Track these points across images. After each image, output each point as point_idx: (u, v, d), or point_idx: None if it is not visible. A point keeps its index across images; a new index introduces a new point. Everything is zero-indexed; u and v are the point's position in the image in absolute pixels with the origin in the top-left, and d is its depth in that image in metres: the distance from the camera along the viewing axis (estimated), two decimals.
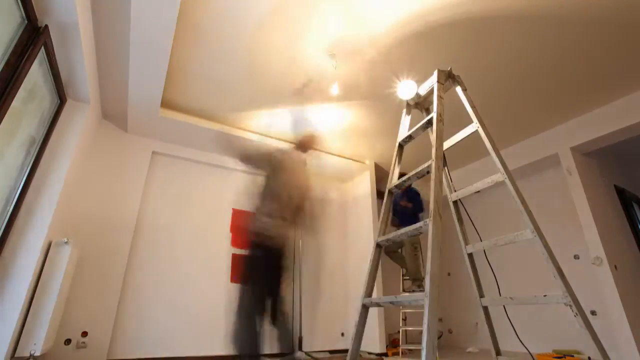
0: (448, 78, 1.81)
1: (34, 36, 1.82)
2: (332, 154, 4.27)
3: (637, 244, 3.60)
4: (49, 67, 2.16)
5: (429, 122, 1.66)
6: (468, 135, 1.78)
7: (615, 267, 3.09)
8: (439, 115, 1.58)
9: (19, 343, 2.05)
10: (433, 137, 1.50)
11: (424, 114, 2.01)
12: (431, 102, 1.81)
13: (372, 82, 2.99)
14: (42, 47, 1.94)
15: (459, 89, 1.83)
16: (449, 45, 2.58)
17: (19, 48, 1.74)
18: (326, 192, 4.65)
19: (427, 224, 1.23)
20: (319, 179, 4.65)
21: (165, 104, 3.21)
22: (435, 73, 1.78)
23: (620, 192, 3.83)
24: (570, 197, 3.48)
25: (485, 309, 1.77)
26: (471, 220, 1.95)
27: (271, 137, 3.85)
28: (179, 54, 2.63)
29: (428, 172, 1.50)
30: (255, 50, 2.64)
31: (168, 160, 3.71)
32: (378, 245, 1.59)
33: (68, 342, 2.62)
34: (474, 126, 1.72)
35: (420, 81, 1.99)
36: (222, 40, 2.53)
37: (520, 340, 1.86)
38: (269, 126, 3.68)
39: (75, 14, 1.87)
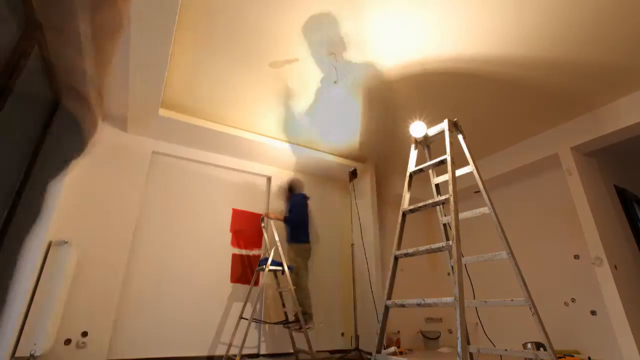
0: (454, 127, 2.21)
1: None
2: (332, 154, 4.28)
3: (637, 244, 3.60)
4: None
5: (441, 162, 2.09)
6: (464, 174, 2.22)
7: (615, 267, 3.10)
8: (452, 158, 1.98)
9: (19, 343, 2.05)
10: (448, 175, 1.93)
11: (426, 150, 2.43)
12: (433, 141, 2.35)
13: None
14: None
15: (460, 137, 2.22)
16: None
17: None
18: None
19: (450, 245, 1.64)
20: (318, 179, 4.65)
21: (165, 104, 3.21)
22: (446, 121, 2.18)
23: (620, 192, 3.83)
24: (570, 197, 3.48)
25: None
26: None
27: (273, 137, 3.86)
28: (179, 53, 2.63)
29: (443, 204, 1.93)
30: (257, 49, 2.64)
31: (168, 160, 3.71)
32: (396, 258, 1.96)
33: (68, 342, 2.62)
34: (470, 168, 2.16)
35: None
36: (223, 39, 2.53)
37: (488, 338, 2.23)
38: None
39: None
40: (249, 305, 3.30)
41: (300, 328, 2.97)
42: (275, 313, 3.57)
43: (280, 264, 3.16)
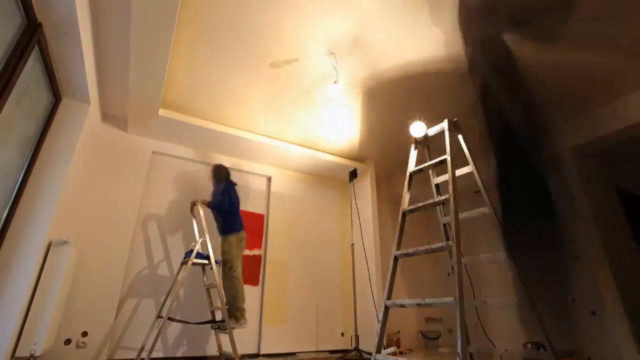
0: (454, 127, 2.21)
1: (28, 34, 1.82)
2: (332, 154, 4.28)
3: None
4: (43, 65, 2.15)
5: (441, 162, 2.07)
6: (464, 174, 2.21)
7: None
8: (452, 158, 1.98)
9: (19, 343, 2.05)
10: (448, 175, 1.91)
11: (426, 150, 2.40)
12: (433, 141, 2.33)
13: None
14: (37, 45, 1.94)
15: (460, 137, 2.23)
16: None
17: (13, 46, 1.74)
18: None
19: (451, 245, 1.64)
20: (318, 179, 4.66)
21: (165, 104, 3.21)
22: (446, 121, 2.17)
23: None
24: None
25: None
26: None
27: (273, 137, 3.86)
28: (179, 53, 2.63)
29: (443, 204, 1.92)
30: (257, 49, 2.64)
31: (168, 160, 3.71)
32: (396, 258, 1.95)
33: (68, 342, 2.62)
34: (470, 168, 2.16)
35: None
36: (223, 39, 2.53)
37: (488, 338, 2.24)
38: None
39: (75, 11, 1.87)
40: (168, 302, 2.81)
41: (226, 328, 2.67)
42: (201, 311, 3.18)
43: (207, 257, 2.84)
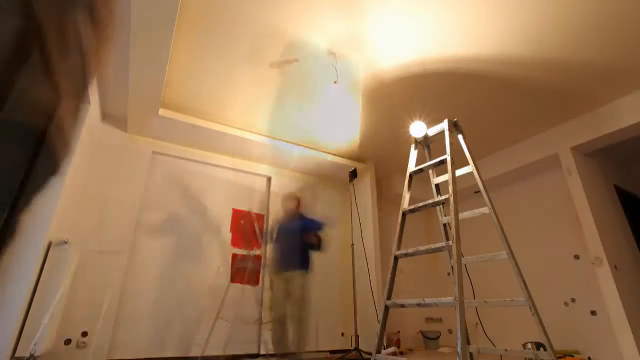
0: (454, 127, 2.21)
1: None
2: (332, 154, 4.28)
3: (637, 244, 3.60)
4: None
5: (441, 162, 2.08)
6: (464, 174, 2.24)
7: (615, 267, 3.09)
8: (452, 158, 1.98)
9: (19, 343, 2.05)
10: (448, 175, 1.91)
11: (426, 150, 2.42)
12: (433, 141, 2.34)
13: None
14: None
15: (460, 137, 2.24)
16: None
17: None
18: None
19: (450, 245, 1.65)
20: (318, 179, 4.66)
21: (165, 104, 3.21)
22: (446, 121, 2.18)
23: (620, 192, 3.83)
24: (570, 197, 3.48)
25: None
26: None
27: (273, 137, 3.86)
28: (179, 53, 2.63)
29: (443, 204, 1.93)
30: (257, 49, 2.64)
31: (168, 160, 3.71)
32: (396, 258, 1.97)
33: (68, 342, 2.62)
34: (470, 168, 2.17)
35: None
36: (223, 39, 2.53)
37: (488, 338, 2.26)
38: None
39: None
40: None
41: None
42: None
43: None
